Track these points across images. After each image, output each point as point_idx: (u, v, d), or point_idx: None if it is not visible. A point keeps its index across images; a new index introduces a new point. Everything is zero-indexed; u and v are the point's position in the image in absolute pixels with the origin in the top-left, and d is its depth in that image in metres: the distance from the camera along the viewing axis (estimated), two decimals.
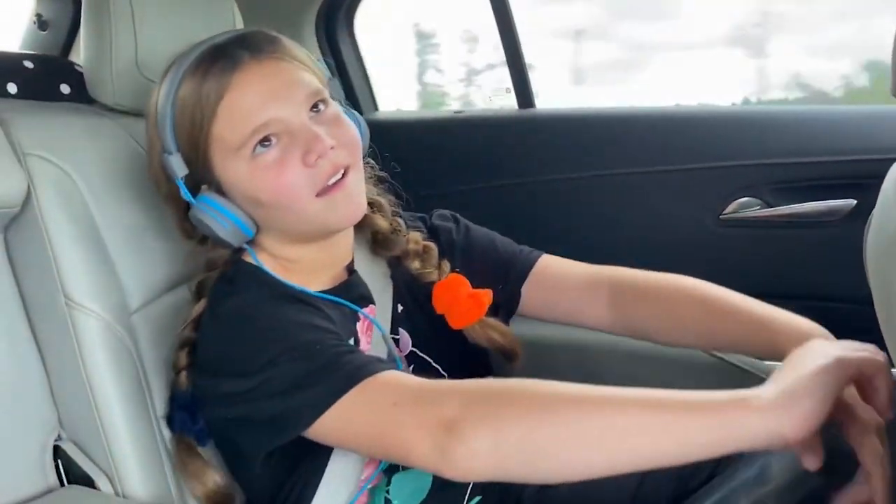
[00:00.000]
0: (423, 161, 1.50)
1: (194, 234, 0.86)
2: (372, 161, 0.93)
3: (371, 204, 0.90)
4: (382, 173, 0.95)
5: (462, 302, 0.91)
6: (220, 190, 0.81)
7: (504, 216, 1.43)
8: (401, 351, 0.91)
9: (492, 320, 0.93)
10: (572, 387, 0.64)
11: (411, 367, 0.90)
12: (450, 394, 0.67)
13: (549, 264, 0.96)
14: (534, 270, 0.95)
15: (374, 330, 0.87)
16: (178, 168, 0.81)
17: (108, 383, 0.81)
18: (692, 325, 0.87)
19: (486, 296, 0.91)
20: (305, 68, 0.82)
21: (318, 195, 0.78)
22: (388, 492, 0.84)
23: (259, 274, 0.83)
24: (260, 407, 0.73)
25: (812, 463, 0.59)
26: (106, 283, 0.86)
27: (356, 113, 0.88)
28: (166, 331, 0.89)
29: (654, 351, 1.22)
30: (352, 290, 0.87)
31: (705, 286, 0.87)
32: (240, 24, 1.04)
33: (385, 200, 0.94)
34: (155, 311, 0.92)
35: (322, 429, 0.71)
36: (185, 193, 0.81)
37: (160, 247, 0.94)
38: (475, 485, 0.88)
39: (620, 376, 1.21)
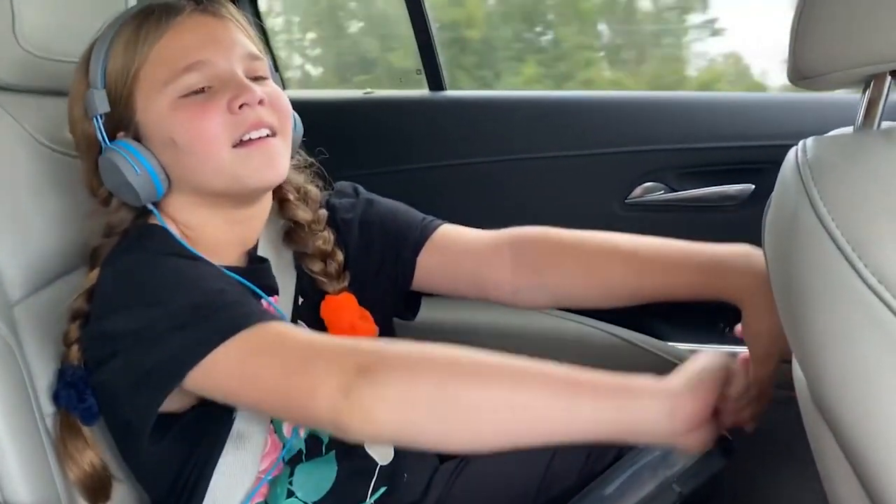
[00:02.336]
0: (331, 142, 1.45)
1: (99, 191, 0.82)
2: (302, 151, 0.91)
3: (299, 191, 0.89)
4: (311, 159, 0.92)
5: (340, 329, 0.86)
6: (136, 137, 0.79)
7: (413, 199, 1.41)
8: None
9: None
10: (482, 356, 0.65)
11: None
12: (368, 344, 0.68)
13: (449, 232, 0.93)
14: (431, 239, 0.91)
15: None
16: (100, 104, 0.78)
17: None
18: (621, 283, 0.84)
19: (363, 330, 0.87)
20: (248, 36, 0.83)
21: (235, 146, 0.76)
22: (290, 483, 0.82)
23: (166, 236, 0.79)
24: (144, 353, 0.69)
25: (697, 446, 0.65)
26: None
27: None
28: (56, 320, 0.83)
29: (580, 338, 1.26)
30: (260, 277, 0.83)
31: (633, 239, 0.85)
32: None
33: (313, 188, 0.91)
34: (43, 299, 0.86)
35: (209, 375, 0.68)
36: (99, 131, 0.78)
37: (50, 231, 0.88)
38: (380, 474, 0.87)
39: (515, 355, 1.25)
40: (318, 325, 0.88)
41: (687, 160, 1.26)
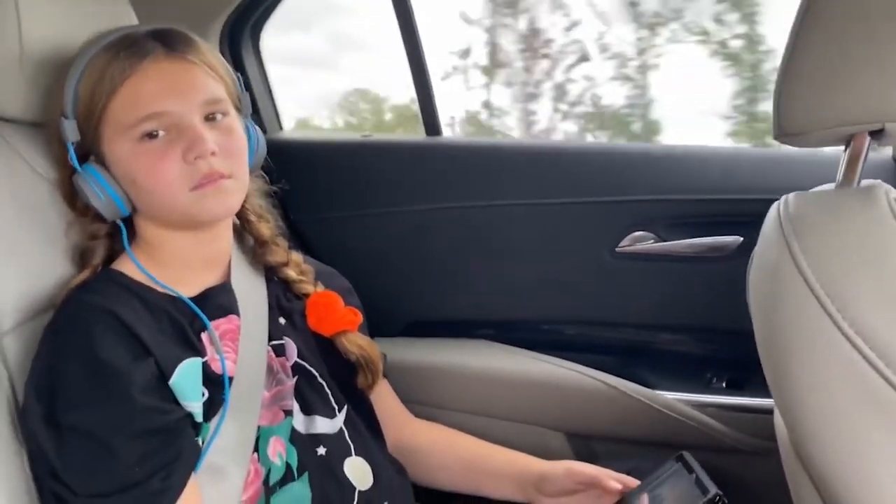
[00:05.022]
0: (328, 183, 1.48)
1: (77, 203, 0.88)
2: (264, 175, 0.98)
3: (258, 215, 0.97)
4: (273, 186, 1.01)
5: (339, 311, 0.97)
6: (104, 164, 0.85)
7: (406, 240, 1.44)
8: (287, 360, 0.92)
9: (359, 334, 0.99)
10: None
11: (296, 378, 0.91)
12: None
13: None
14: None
15: (244, 340, 0.87)
16: (71, 133, 0.84)
17: None
18: (455, 476, 1.06)
19: (353, 322, 0.98)
20: (214, 76, 0.86)
21: (192, 189, 0.82)
22: None
23: (122, 281, 0.84)
24: (63, 460, 0.73)
25: None
26: None
27: (258, 129, 0.93)
28: None
29: (570, 383, 1.26)
30: (211, 300, 0.88)
31: (476, 445, 1.08)
32: None
33: (271, 217, 0.99)
34: (35, 327, 0.85)
35: None
36: (72, 158, 0.84)
37: (44, 260, 0.88)
38: (360, 500, 0.89)
39: (501, 398, 1.28)
40: (306, 338, 0.95)
41: (676, 211, 1.28)
